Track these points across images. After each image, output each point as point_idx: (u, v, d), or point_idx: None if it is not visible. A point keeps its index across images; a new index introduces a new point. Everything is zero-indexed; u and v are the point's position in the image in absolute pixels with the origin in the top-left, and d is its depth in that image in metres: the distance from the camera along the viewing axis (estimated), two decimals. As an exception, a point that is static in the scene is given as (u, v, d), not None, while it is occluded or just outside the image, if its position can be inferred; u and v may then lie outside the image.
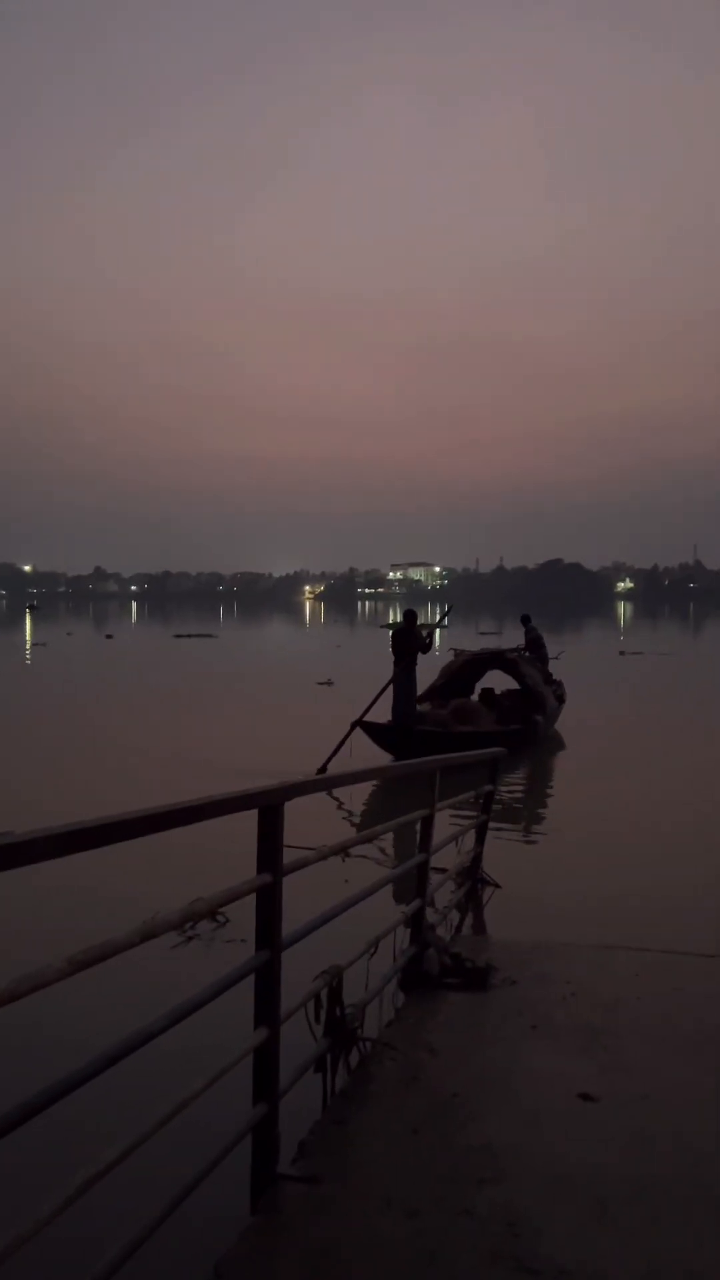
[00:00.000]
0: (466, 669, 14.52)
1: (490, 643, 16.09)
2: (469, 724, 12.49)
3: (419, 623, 12.78)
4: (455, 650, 13.55)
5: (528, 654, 14.80)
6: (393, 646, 12.40)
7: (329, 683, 22.42)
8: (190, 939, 5.46)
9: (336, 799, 9.95)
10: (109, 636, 49.12)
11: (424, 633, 12.66)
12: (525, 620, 16.18)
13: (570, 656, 20.64)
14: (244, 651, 40.66)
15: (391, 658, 12.30)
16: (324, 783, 3.43)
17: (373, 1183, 2.55)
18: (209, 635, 50.37)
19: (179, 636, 48.92)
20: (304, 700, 19.84)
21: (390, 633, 12.75)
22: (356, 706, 11.90)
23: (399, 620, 12.85)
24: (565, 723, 14.69)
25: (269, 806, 2.48)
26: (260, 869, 2.50)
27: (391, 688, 12.08)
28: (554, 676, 15.22)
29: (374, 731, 11.81)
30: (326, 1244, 2.27)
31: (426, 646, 12.56)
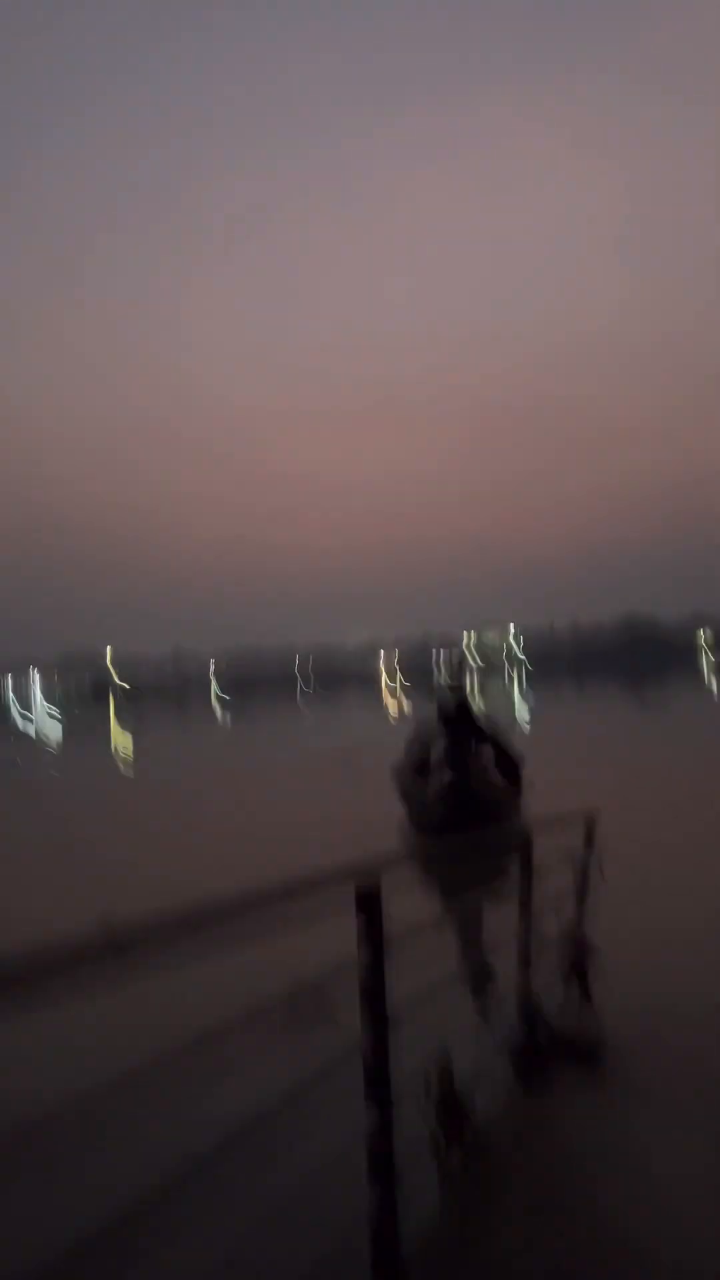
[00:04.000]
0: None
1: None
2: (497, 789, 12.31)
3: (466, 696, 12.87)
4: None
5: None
6: (443, 719, 12.42)
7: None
8: (291, 1018, 5.41)
9: (431, 870, 9.82)
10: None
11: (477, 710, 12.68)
12: (456, 691, 16.45)
13: None
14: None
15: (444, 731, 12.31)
16: (420, 854, 3.42)
17: (497, 1266, 2.47)
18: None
19: None
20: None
21: (444, 708, 12.76)
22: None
23: (449, 689, 13.02)
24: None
25: (367, 882, 2.50)
26: (361, 946, 2.50)
27: (447, 758, 11.98)
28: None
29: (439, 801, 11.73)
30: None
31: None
